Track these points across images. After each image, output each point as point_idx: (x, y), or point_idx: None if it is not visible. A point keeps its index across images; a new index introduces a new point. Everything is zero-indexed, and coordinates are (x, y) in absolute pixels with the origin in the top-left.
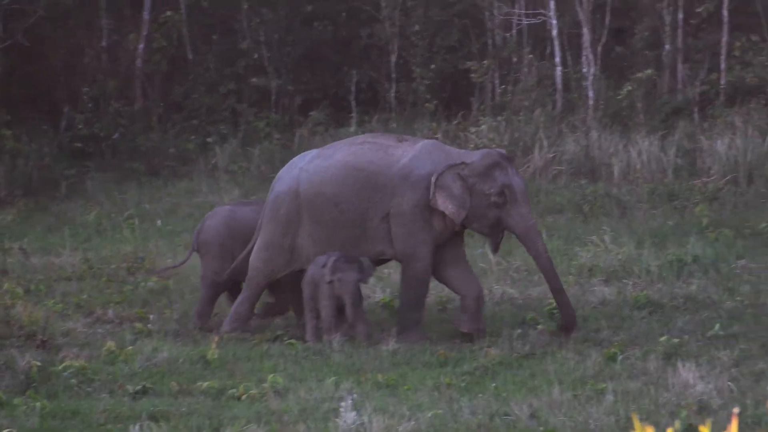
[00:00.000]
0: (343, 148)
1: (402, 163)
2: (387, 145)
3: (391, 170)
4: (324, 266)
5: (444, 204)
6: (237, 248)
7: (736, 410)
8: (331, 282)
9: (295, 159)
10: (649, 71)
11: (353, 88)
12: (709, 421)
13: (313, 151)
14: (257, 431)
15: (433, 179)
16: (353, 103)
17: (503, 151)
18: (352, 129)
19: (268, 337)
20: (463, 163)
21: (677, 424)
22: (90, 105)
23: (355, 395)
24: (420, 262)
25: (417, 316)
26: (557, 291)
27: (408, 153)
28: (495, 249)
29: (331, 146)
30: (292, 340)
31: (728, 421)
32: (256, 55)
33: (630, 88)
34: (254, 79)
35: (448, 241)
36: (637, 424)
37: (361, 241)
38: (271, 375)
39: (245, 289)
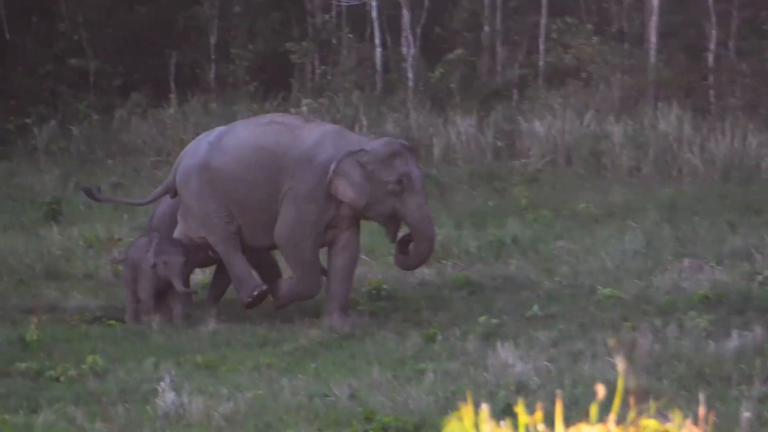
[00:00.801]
0: (250, 127)
1: (305, 147)
2: (294, 126)
3: (294, 152)
4: (146, 249)
5: (343, 191)
6: None
7: (559, 393)
8: (155, 265)
9: (200, 137)
10: (459, 51)
11: (173, 70)
12: (525, 402)
13: (220, 129)
14: (76, 412)
15: (332, 166)
16: (173, 85)
17: (405, 141)
18: (172, 110)
19: (87, 318)
20: (362, 150)
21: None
22: None
23: (174, 376)
24: (304, 243)
25: (299, 295)
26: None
27: (312, 136)
28: (393, 238)
29: (238, 125)
30: (112, 321)
31: (546, 400)
32: (75, 37)
33: (442, 69)
34: (73, 61)
35: (344, 227)
36: (467, 404)
37: (271, 225)
38: (91, 356)
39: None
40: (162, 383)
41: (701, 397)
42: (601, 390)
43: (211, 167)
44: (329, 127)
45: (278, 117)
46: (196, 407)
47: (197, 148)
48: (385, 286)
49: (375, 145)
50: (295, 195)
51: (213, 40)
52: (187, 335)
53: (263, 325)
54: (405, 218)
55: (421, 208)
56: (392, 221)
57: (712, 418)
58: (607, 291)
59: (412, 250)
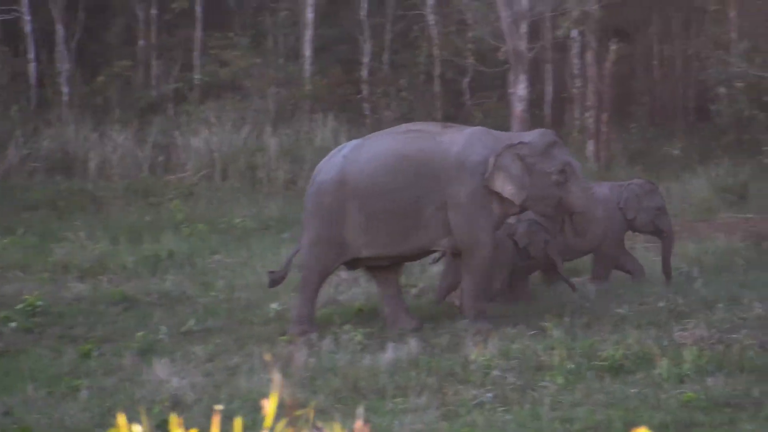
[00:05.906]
0: (387, 137)
1: (455, 151)
2: (434, 133)
3: (445, 158)
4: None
5: (502, 186)
6: None
7: (218, 407)
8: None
9: (334, 151)
10: (123, 62)
11: None
12: (180, 417)
13: (353, 142)
14: None
15: (491, 160)
16: None
17: (554, 132)
18: None
19: None
20: (521, 143)
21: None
22: None
23: None
24: (483, 249)
25: (484, 304)
26: None
27: (459, 140)
28: (561, 228)
29: (373, 136)
30: None
31: (202, 415)
32: None
33: (102, 78)
34: None
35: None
36: (121, 421)
37: (414, 230)
38: None
39: (301, 290)
40: None
41: (357, 410)
42: (265, 405)
43: (348, 182)
44: (474, 128)
45: (413, 126)
46: None
47: (329, 164)
48: (40, 302)
49: (531, 136)
50: (459, 201)
51: None
52: None
53: None
54: (572, 206)
55: (587, 193)
56: (557, 212)
57: (367, 431)
58: (276, 306)
59: (581, 233)
